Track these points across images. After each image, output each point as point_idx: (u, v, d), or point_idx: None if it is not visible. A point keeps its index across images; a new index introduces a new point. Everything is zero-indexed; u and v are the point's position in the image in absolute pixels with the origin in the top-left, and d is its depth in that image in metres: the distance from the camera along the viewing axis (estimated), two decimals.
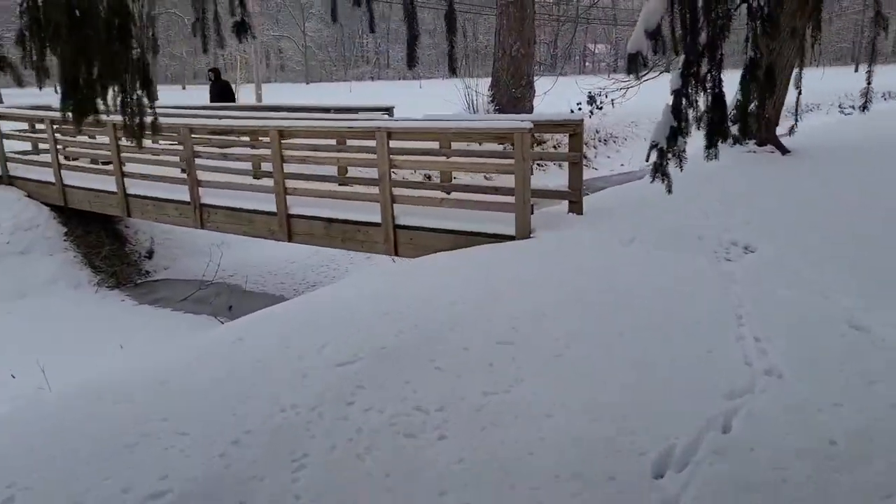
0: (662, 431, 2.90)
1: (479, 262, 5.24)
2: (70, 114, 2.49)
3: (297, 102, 14.19)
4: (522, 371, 3.44)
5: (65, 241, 9.11)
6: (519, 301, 4.31)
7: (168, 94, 32.97)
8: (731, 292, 4.44)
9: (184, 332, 7.01)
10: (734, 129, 3.56)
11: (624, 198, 6.91)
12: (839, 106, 23.06)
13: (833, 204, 6.27)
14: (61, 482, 2.64)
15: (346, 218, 6.79)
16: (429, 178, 10.25)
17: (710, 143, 3.43)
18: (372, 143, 6.32)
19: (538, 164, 13.27)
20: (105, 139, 8.39)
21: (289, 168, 7.03)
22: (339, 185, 7.46)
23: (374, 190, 6.46)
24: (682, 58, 3.16)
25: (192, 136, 7.56)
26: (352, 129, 7.00)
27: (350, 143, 7.33)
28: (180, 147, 7.77)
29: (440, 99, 15.35)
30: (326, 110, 11.37)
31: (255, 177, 7.72)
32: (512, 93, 14.52)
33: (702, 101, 3.29)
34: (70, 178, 9.07)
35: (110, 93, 2.70)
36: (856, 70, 38.87)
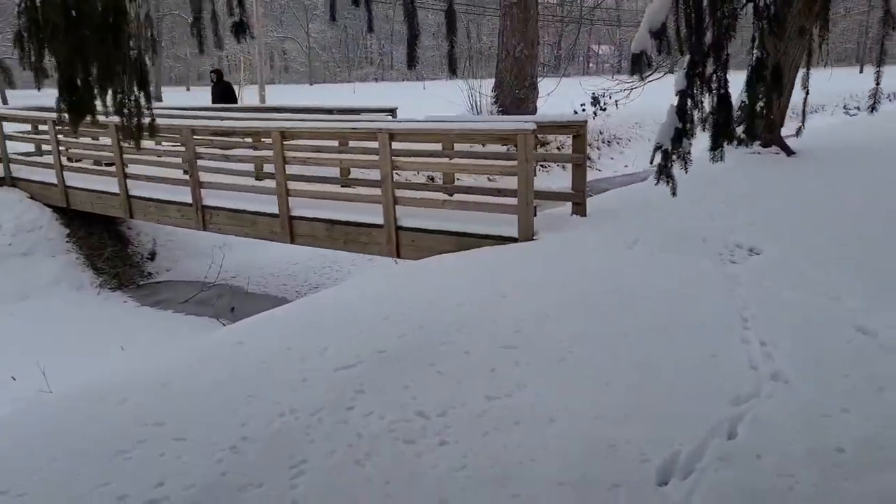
0: (667, 435, 2.86)
1: (483, 263, 5.21)
2: (66, 115, 2.46)
3: (300, 104, 14.17)
4: (525, 375, 3.41)
5: (67, 242, 9.10)
6: (523, 303, 4.28)
7: (172, 96, 33.10)
8: (735, 294, 4.40)
9: (186, 333, 6.98)
10: (739, 131, 3.51)
11: (628, 199, 6.87)
12: (844, 107, 23.02)
13: (838, 205, 6.24)
14: (63, 483, 2.61)
15: (348, 219, 6.76)
16: (432, 179, 10.21)
17: (716, 145, 3.39)
18: (374, 144, 6.29)
19: (541, 166, 13.24)
20: (107, 140, 8.37)
21: (291, 169, 7.01)
22: (342, 186, 7.43)
23: (377, 191, 6.43)
24: (686, 58, 3.12)
25: (195, 137, 7.54)
26: (354, 130, 6.97)
27: (352, 144, 7.30)
28: (182, 148, 7.75)
29: (444, 100, 15.34)
30: (329, 111, 11.35)
31: (258, 178, 7.70)
32: (515, 94, 14.49)
33: (707, 102, 3.25)
34: (72, 180, 9.06)
35: (109, 94, 2.68)
36: (860, 71, 38.74)
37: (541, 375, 3.41)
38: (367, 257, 8.21)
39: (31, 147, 10.08)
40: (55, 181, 9.12)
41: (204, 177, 7.67)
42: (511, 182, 5.90)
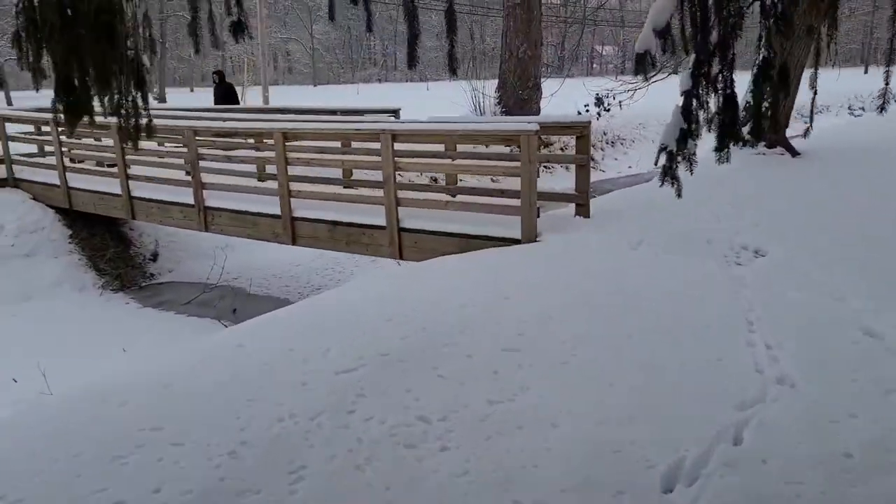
0: (672, 437, 2.82)
1: (486, 265, 5.18)
2: (63, 115, 2.43)
3: (303, 105, 14.16)
4: (528, 377, 3.37)
5: (69, 243, 9.09)
6: (526, 304, 4.25)
7: (176, 97, 33.17)
8: (741, 296, 4.36)
9: (188, 335, 6.97)
10: (745, 131, 3.47)
11: (632, 200, 6.84)
12: (849, 108, 22.95)
13: (843, 206, 6.21)
14: (63, 485, 2.58)
15: (350, 221, 6.73)
16: (434, 180, 10.18)
17: (722, 146, 3.35)
18: (377, 145, 6.26)
19: (545, 167, 13.19)
20: (110, 141, 8.36)
21: (293, 170, 6.99)
22: (344, 187, 7.40)
23: (379, 193, 6.40)
24: (692, 57, 3.08)
25: (197, 138, 7.52)
26: (356, 131, 6.94)
27: (355, 145, 7.28)
28: (185, 149, 7.73)
29: (447, 101, 15.33)
30: (333, 112, 11.34)
31: (260, 179, 7.68)
32: (519, 95, 14.46)
33: (713, 102, 3.21)
34: (75, 181, 9.05)
35: (107, 94, 2.65)
36: (865, 72, 38.62)
37: (544, 378, 3.37)
38: (370, 258, 8.19)
39: (33, 148, 10.08)
40: (58, 182, 9.12)
41: (206, 178, 7.66)
42: (514, 183, 5.87)
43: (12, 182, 9.74)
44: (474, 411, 3.07)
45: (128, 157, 8.26)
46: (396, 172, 6.26)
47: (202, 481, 2.58)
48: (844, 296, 4.28)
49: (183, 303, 8.31)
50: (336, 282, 8.61)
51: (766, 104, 3.39)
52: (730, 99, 3.19)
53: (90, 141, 9.17)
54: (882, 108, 7.54)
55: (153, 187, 8.24)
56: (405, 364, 3.50)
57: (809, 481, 2.54)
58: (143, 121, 2.67)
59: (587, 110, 15.46)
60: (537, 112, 14.40)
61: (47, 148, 9.61)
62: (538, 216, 5.81)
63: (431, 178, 10.53)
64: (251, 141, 7.87)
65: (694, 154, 3.33)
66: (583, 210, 6.20)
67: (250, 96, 25.33)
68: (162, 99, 33.48)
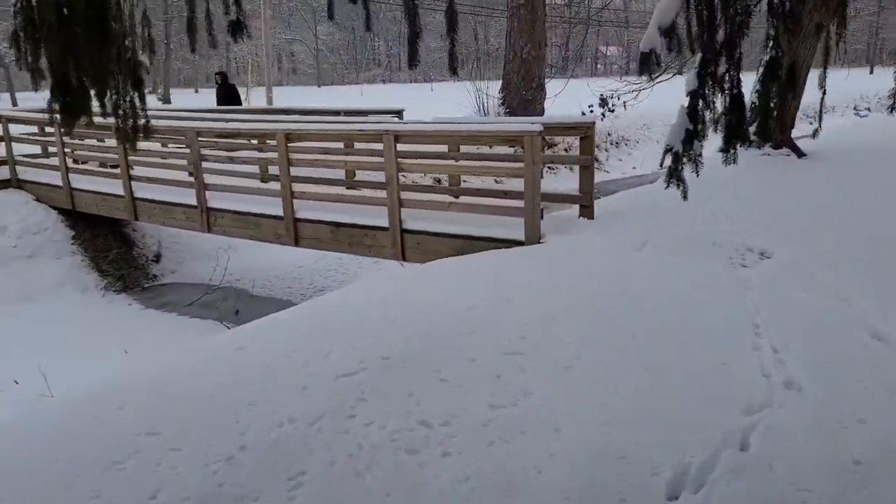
0: (677, 441, 2.78)
1: (489, 267, 5.14)
2: (59, 115, 2.40)
3: (307, 105, 14.14)
4: (531, 381, 3.33)
5: (72, 244, 9.08)
6: (529, 307, 4.20)
7: (181, 97, 33.17)
8: (747, 299, 4.31)
9: (190, 336, 6.94)
10: (751, 132, 3.43)
11: (636, 201, 6.79)
12: (854, 108, 22.85)
13: (849, 207, 6.16)
14: (63, 486, 2.56)
15: (353, 222, 6.70)
16: (438, 181, 10.14)
17: (729, 147, 3.30)
18: (380, 146, 6.23)
19: (549, 168, 13.15)
20: (113, 142, 8.34)
21: (296, 172, 6.96)
22: (347, 188, 7.37)
23: (382, 194, 6.37)
24: (698, 57, 3.03)
25: (199, 139, 7.50)
26: (359, 132, 6.91)
27: (358, 146, 7.24)
28: (187, 150, 7.71)
29: (451, 102, 15.28)
30: (336, 113, 11.33)
31: (263, 180, 7.65)
32: (522, 95, 14.41)
33: (719, 103, 3.16)
34: (78, 182, 9.03)
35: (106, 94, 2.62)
36: (871, 72, 38.48)
37: (547, 381, 3.33)
38: (373, 260, 8.16)
39: (37, 149, 10.08)
40: (61, 183, 9.11)
41: (209, 179, 7.63)
42: (518, 184, 5.82)
43: (16, 183, 9.73)
44: (476, 416, 3.03)
45: (130, 158, 8.24)
46: (399, 173, 6.23)
47: (200, 487, 2.55)
48: (851, 297, 4.23)
49: (185, 304, 8.29)
50: (339, 283, 8.57)
51: (772, 104, 3.34)
52: (737, 99, 3.14)
53: (93, 142, 9.15)
54: (892, 108, 7.49)
55: (156, 188, 8.22)
56: (407, 367, 3.46)
57: (817, 487, 2.50)
58: (141, 121, 2.64)
59: (591, 111, 15.41)
60: (541, 113, 14.33)
61: (50, 149, 9.60)
62: (542, 217, 5.76)
63: (434, 179, 10.49)
64: (254, 142, 7.84)
65: (700, 155, 3.29)
66: (587, 211, 6.16)
67: (254, 97, 25.36)
68: (166, 100, 33.52)
